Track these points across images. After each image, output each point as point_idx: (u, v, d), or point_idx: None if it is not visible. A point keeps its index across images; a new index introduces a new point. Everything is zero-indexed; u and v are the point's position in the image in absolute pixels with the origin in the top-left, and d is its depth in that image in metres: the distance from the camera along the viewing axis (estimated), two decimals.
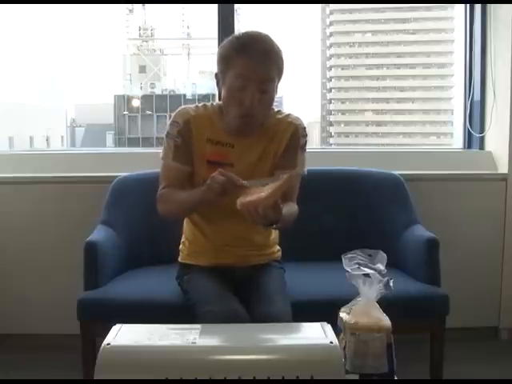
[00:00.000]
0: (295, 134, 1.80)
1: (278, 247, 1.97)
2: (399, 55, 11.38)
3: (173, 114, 1.82)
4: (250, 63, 1.63)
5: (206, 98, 5.65)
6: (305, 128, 1.84)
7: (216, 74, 1.76)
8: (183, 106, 1.84)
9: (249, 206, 1.44)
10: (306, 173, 1.84)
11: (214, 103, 1.84)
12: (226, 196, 1.54)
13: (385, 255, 1.30)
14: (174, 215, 1.86)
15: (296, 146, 1.80)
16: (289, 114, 1.83)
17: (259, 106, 1.67)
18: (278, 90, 1.74)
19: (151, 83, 6.67)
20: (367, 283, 1.25)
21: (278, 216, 1.50)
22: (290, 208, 1.70)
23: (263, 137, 1.79)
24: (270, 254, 1.93)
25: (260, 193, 1.46)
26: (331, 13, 10.93)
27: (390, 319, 1.27)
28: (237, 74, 1.65)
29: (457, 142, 3.18)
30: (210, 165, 1.74)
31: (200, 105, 1.83)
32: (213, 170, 1.59)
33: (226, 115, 1.75)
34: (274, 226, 1.58)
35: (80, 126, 6.87)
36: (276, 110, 1.83)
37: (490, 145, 2.84)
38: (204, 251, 1.87)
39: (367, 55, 11.55)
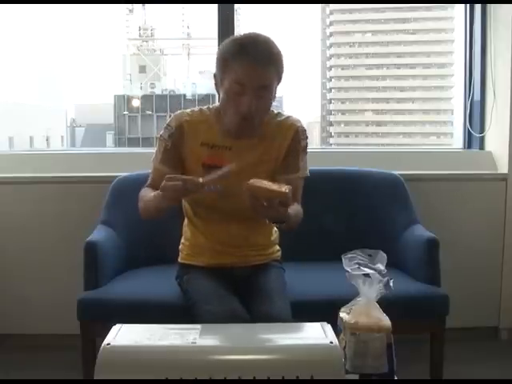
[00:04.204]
0: (296, 137, 1.80)
1: (277, 247, 1.97)
2: (399, 55, 11.36)
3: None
4: (247, 70, 1.62)
5: (206, 97, 5.64)
6: (305, 130, 1.83)
7: (214, 75, 1.75)
8: (180, 111, 1.84)
9: (255, 191, 1.45)
10: (308, 174, 1.84)
11: (211, 106, 1.83)
12: (186, 197, 1.57)
13: (385, 255, 1.30)
14: (144, 215, 1.79)
15: (297, 149, 1.80)
16: (289, 117, 1.82)
17: (256, 111, 1.66)
18: (277, 91, 1.73)
19: (151, 83, 6.66)
20: (367, 283, 1.25)
21: (283, 216, 1.52)
22: (296, 208, 1.69)
23: (263, 139, 1.78)
24: (270, 253, 1.93)
25: (272, 186, 1.46)
26: (331, 13, 10.91)
27: (390, 319, 1.27)
28: (234, 79, 1.64)
29: (457, 141, 3.18)
30: (205, 168, 1.72)
31: (196, 109, 1.83)
32: (208, 174, 1.57)
33: (224, 117, 1.74)
34: (279, 224, 1.58)
35: (80, 126, 6.86)
36: (276, 111, 1.82)
37: (490, 145, 2.84)
38: (204, 252, 1.87)
39: (367, 55, 11.53)
